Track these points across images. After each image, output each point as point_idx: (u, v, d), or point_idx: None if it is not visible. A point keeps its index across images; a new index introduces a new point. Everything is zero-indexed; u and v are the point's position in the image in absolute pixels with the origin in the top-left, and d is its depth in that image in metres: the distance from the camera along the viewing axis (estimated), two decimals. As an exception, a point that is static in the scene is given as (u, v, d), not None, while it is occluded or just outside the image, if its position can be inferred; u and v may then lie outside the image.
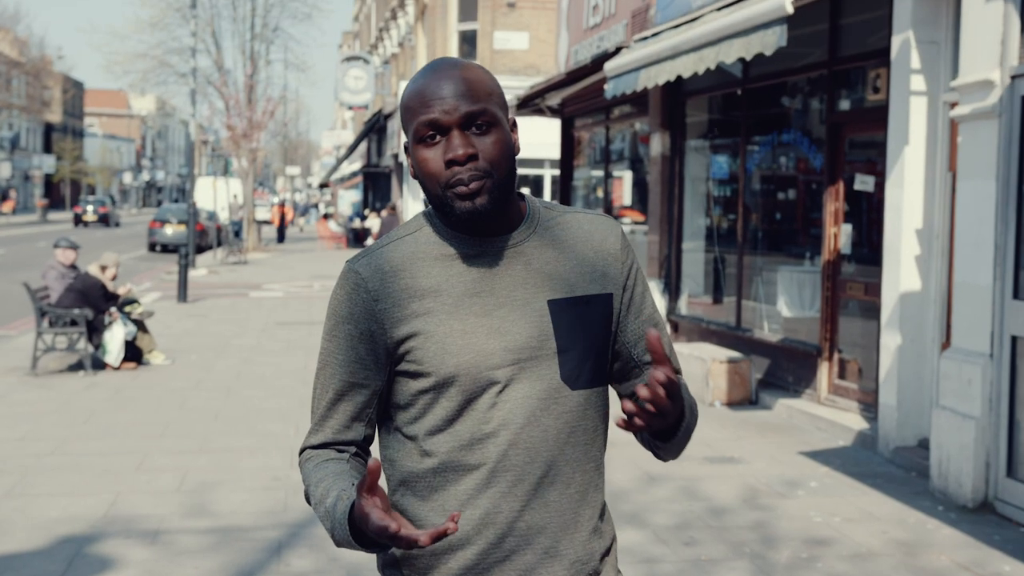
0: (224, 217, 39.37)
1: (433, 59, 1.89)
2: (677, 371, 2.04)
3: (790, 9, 7.60)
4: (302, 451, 2.03)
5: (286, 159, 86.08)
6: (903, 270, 7.67)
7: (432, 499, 1.93)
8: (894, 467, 7.52)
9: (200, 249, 33.92)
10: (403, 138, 1.91)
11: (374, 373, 1.95)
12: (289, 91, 70.77)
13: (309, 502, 1.95)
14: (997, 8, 6.36)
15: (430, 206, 1.98)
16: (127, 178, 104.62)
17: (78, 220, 56.71)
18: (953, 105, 7.30)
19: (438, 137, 1.85)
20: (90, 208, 56.97)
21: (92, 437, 8.32)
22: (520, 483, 1.90)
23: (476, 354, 1.89)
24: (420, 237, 1.97)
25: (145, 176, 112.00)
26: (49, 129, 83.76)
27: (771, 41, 7.76)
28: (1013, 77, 6.31)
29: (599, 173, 16.22)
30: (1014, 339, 6.34)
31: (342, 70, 39.27)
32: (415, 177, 1.91)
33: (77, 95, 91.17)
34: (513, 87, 24.73)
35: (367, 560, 5.18)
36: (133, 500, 6.57)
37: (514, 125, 1.97)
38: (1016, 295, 6.33)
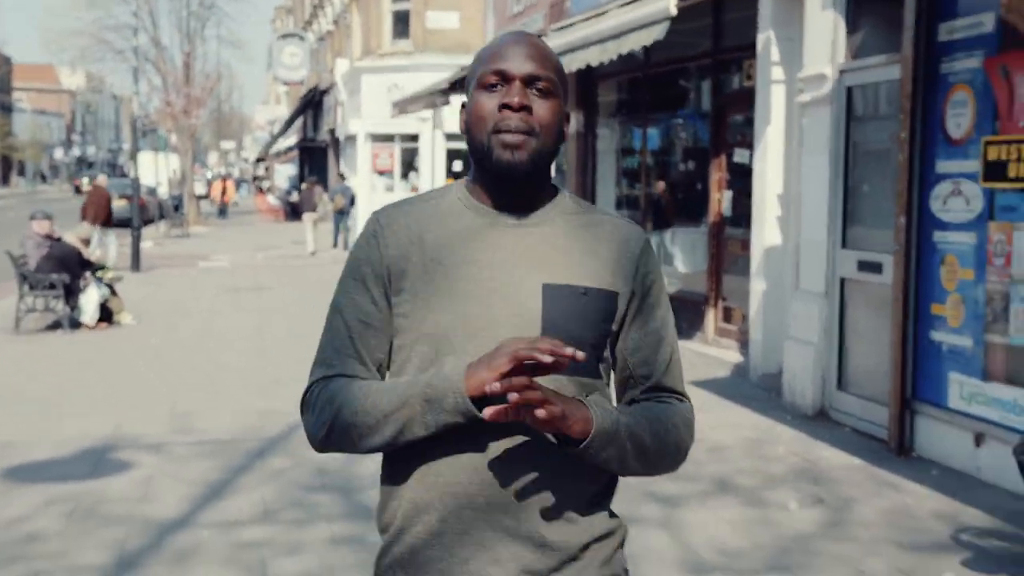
0: (163, 192, 40.32)
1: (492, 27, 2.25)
2: (680, 393, 2.07)
3: (674, 11, 9.13)
4: (309, 388, 2.00)
5: (220, 133, 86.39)
6: (767, 229, 9.29)
7: (396, 464, 1.97)
8: (759, 390, 9.15)
9: (143, 223, 34.88)
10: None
11: (386, 316, 1.99)
12: (223, 67, 71.15)
13: (334, 423, 1.92)
14: (829, 15, 7.96)
15: (467, 174, 2.06)
16: (58, 153, 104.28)
17: (78, 190, 61.95)
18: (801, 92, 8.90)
19: (500, 86, 1.92)
20: (85, 180, 58.92)
21: (85, 381, 9.70)
22: (484, 455, 1.89)
23: (454, 317, 1.91)
24: (444, 200, 2.03)
25: (76, 151, 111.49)
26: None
27: (656, 35, 9.31)
28: (841, 71, 7.92)
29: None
30: (842, 280, 7.99)
31: (278, 47, 40.26)
32: (464, 131, 1.98)
33: (5, 70, 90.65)
34: (445, 65, 26.08)
35: (329, 459, 6.64)
36: (134, 424, 7.98)
37: (567, 116, 2.01)
38: (844, 245, 7.97)
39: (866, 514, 5.91)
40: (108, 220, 19.84)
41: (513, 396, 1.70)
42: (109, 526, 5.66)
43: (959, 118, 6.67)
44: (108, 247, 20.04)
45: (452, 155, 27.60)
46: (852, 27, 7.89)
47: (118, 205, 35.85)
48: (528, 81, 1.91)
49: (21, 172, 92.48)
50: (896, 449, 7.07)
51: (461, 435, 1.86)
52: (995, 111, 6.37)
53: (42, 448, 7.30)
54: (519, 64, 1.91)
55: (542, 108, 1.92)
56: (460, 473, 1.89)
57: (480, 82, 1.94)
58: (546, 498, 1.91)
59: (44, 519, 5.78)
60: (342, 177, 30.56)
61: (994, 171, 6.28)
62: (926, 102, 6.92)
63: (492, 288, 1.93)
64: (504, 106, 1.89)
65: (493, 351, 1.78)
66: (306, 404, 1.99)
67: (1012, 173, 6.13)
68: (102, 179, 20.98)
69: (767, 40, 9.15)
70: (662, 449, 1.96)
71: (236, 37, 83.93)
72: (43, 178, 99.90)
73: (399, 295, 1.97)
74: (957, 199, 6.70)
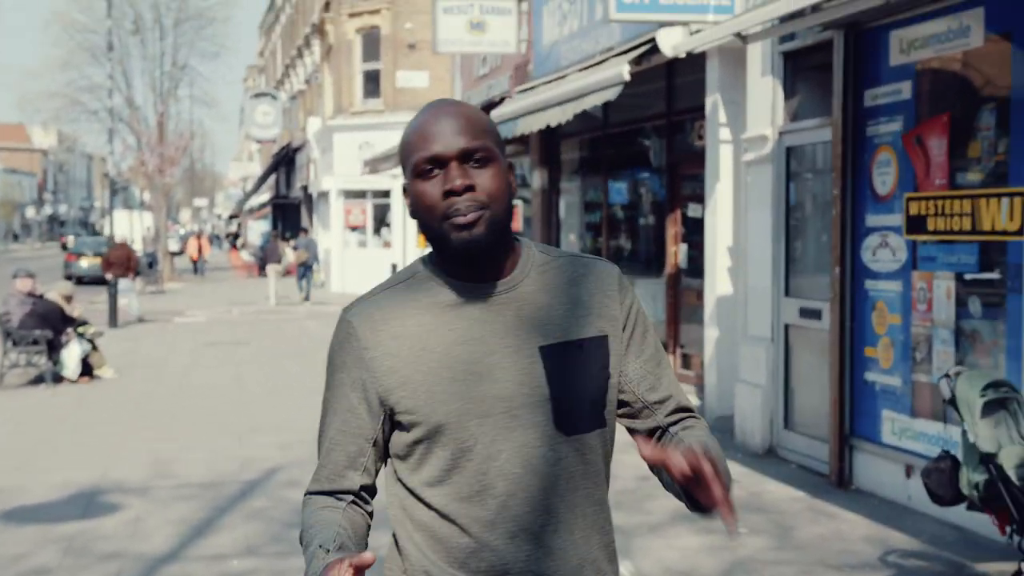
0: (138, 249, 40.71)
1: (427, 103, 2.02)
2: (693, 410, 2.13)
3: (627, 76, 9.76)
4: (305, 495, 2.05)
5: (193, 191, 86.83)
6: (718, 279, 9.86)
7: (440, 548, 1.94)
8: (714, 431, 9.61)
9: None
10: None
11: (367, 422, 1.97)
12: (196, 125, 71.83)
13: (302, 544, 1.96)
14: (768, 81, 8.59)
15: (425, 253, 2.05)
16: (30, 212, 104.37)
17: (64, 247, 62.50)
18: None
19: (436, 171, 1.88)
20: (71, 239, 59.12)
21: (70, 432, 10.12)
22: (522, 533, 1.90)
23: (465, 401, 1.89)
24: (413, 284, 2.00)
25: (48, 210, 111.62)
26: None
27: (610, 96, 9.92)
28: (780, 133, 8.54)
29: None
30: (787, 326, 8.56)
31: (251, 105, 40.92)
32: (413, 216, 1.94)
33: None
34: (415, 123, 26.76)
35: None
36: (119, 470, 8.40)
37: (511, 167, 1.98)
38: (787, 294, 8.55)
39: (803, 539, 6.42)
40: (130, 272, 22.01)
41: (702, 470, 1.74)
42: (104, 561, 6.10)
43: (884, 176, 7.28)
44: (131, 296, 21.82)
45: (423, 211, 28.15)
46: (789, 92, 8.52)
47: (92, 263, 36.50)
48: (463, 157, 1.88)
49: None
50: (836, 482, 7.60)
51: (493, 515, 1.90)
52: (914, 171, 6.99)
53: (33, 493, 7.72)
54: (449, 143, 1.87)
55: (486, 179, 1.88)
56: (505, 554, 1.91)
57: (416, 171, 1.90)
58: (583, 557, 1.96)
59: (43, 555, 6.22)
60: (305, 232, 31.30)
61: (915, 225, 6.88)
62: (855, 161, 7.54)
63: (492, 363, 1.91)
64: (448, 192, 1.86)
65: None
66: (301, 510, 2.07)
67: (931, 226, 6.73)
68: (123, 237, 22.46)
69: (714, 103, 9.77)
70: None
71: (209, 96, 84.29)
72: (15, 237, 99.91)
73: (395, 393, 1.93)
74: (884, 250, 7.29)
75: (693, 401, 10.52)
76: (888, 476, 7.24)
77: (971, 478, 4.90)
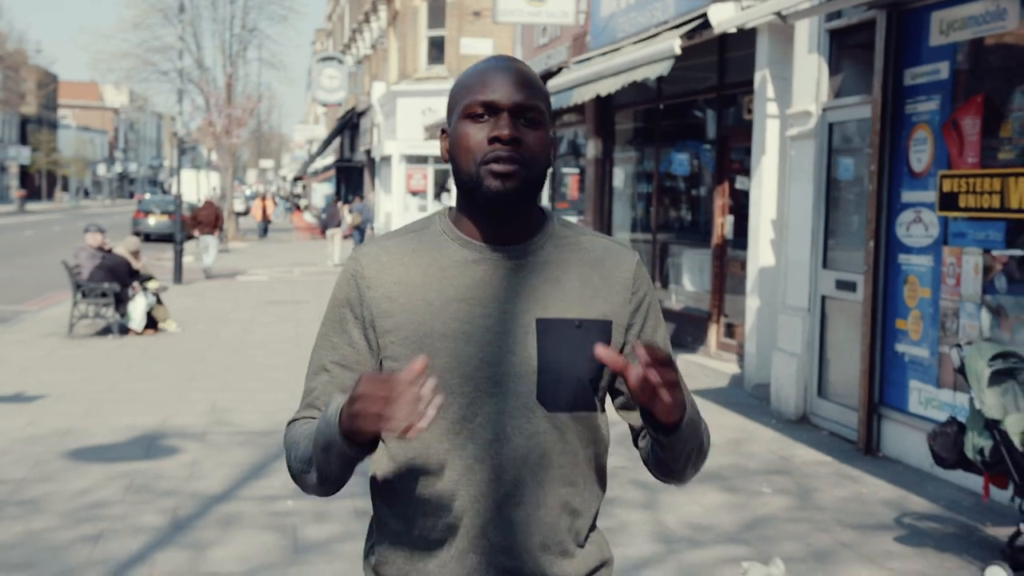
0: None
1: (492, 56, 2.00)
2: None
3: (678, 51, 9.97)
4: (289, 422, 2.04)
5: (259, 152, 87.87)
6: (761, 250, 10.08)
7: (397, 505, 1.96)
8: (752, 399, 9.93)
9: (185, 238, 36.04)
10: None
11: (367, 357, 1.97)
12: (264, 87, 72.68)
13: (291, 468, 1.97)
14: (814, 59, 8.77)
15: (451, 203, 2.02)
16: (101, 169, 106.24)
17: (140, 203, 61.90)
18: (793, 126, 9.72)
19: (487, 117, 1.88)
20: (147, 195, 58.71)
21: (135, 380, 10.62)
22: (483, 499, 1.89)
23: (450, 358, 1.88)
24: (428, 233, 1.99)
25: (118, 168, 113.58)
26: (24, 121, 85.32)
27: (662, 70, 10.14)
28: (824, 109, 8.73)
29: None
30: (823, 298, 8.77)
31: (317, 69, 41.36)
32: (446, 159, 1.94)
33: (51, 88, 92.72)
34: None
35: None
36: (179, 418, 8.86)
37: (554, 141, 1.98)
38: (825, 266, 8.76)
39: (824, 501, 6.69)
40: (212, 228, 23.65)
41: (654, 376, 1.72)
42: (162, 497, 6.54)
43: (920, 153, 7.47)
44: (210, 249, 23.42)
45: (483, 176, 28.52)
46: (834, 69, 8.70)
47: (160, 220, 37.37)
48: (516, 111, 1.88)
49: (65, 187, 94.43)
50: (864, 449, 7.84)
51: (458, 475, 1.89)
52: (948, 150, 7.17)
53: (98, 435, 8.19)
54: (508, 94, 1.88)
55: (531, 138, 1.89)
56: (463, 516, 1.90)
57: (466, 111, 1.90)
58: (546, 535, 1.92)
59: (106, 491, 6.67)
60: (361, 197, 32.02)
61: (948, 201, 7.07)
62: (893, 139, 7.72)
63: (486, 326, 1.90)
64: (494, 139, 1.86)
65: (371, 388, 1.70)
66: (284, 438, 2.05)
67: (962, 203, 6.92)
68: (213, 197, 24.94)
69: (763, 78, 9.96)
70: (704, 449, 1.99)
71: (277, 59, 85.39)
72: (86, 193, 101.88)
73: (385, 337, 1.94)
74: (918, 226, 7.49)
75: (733, 369, 10.76)
76: (913, 444, 7.47)
77: (976, 443, 5.14)
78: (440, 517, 1.92)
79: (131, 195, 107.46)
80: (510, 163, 1.86)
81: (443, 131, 1.98)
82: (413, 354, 1.89)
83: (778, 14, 8.11)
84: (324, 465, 1.86)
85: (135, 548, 5.61)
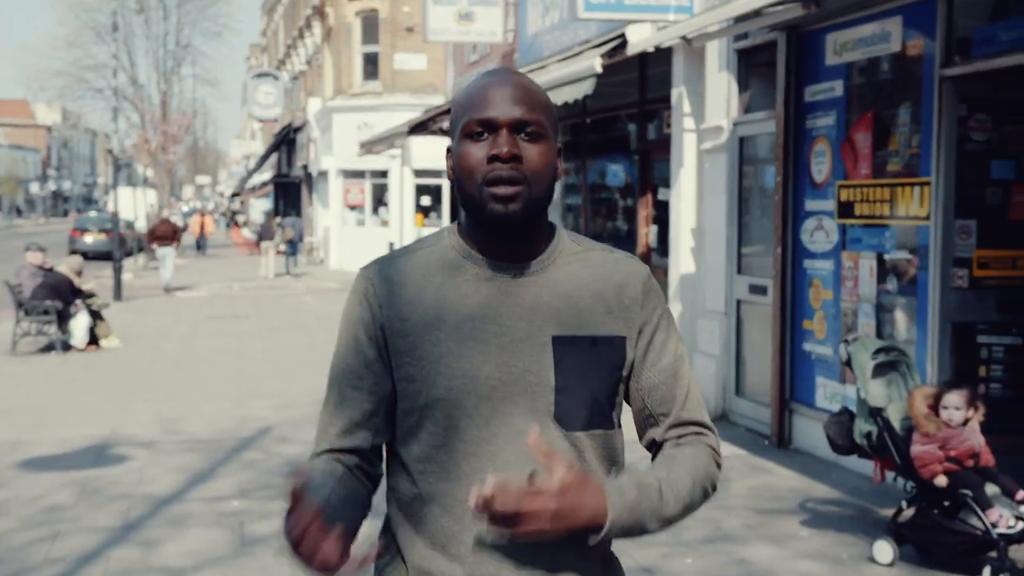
0: (141, 226, 41.46)
1: (490, 70, 1.97)
2: (702, 423, 2.03)
3: (599, 69, 10.46)
4: (311, 458, 1.99)
5: (196, 168, 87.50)
6: (682, 258, 10.62)
7: (422, 531, 1.91)
8: (675, 399, 10.44)
9: (122, 256, 36.02)
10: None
11: (381, 379, 1.93)
12: (199, 103, 72.53)
13: None
14: (724, 77, 9.34)
15: (458, 219, 1.98)
16: (34, 188, 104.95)
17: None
18: (708, 140, 10.29)
19: (486, 135, 1.84)
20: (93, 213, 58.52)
21: (80, 393, 10.91)
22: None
23: (466, 379, 1.85)
24: (437, 251, 1.96)
25: (51, 186, 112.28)
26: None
27: (585, 89, 10.65)
28: (735, 124, 9.30)
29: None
30: (739, 302, 9.33)
31: (253, 85, 41.52)
32: (452, 178, 1.91)
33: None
34: (413, 104, 27.53)
35: (300, 453, 7.91)
36: (126, 428, 9.19)
37: (560, 152, 1.94)
38: (739, 271, 9.32)
39: (737, 490, 7.22)
40: (170, 242, 24.82)
41: (493, 508, 1.68)
42: (113, 501, 6.90)
43: (820, 165, 8.05)
44: (166, 261, 24.41)
45: (421, 190, 28.99)
46: (743, 86, 9.27)
47: (97, 239, 37.26)
48: (516, 127, 1.84)
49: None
50: (776, 443, 8.39)
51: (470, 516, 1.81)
52: (844, 162, 7.75)
53: (47, 446, 8.51)
54: (505, 110, 1.84)
55: (533, 154, 1.85)
56: (478, 537, 1.86)
57: (465, 131, 1.87)
58: (563, 554, 1.89)
59: (59, 496, 7.02)
60: (298, 213, 32.95)
61: (845, 209, 7.65)
62: (796, 151, 8.30)
63: (501, 345, 1.87)
64: (493, 157, 1.82)
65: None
66: None
67: (857, 211, 7.50)
68: (166, 213, 26.43)
69: (679, 95, 10.51)
70: (690, 504, 1.92)
71: (212, 75, 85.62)
72: (19, 212, 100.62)
73: (399, 357, 1.91)
74: (820, 232, 8.06)
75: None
76: (820, 437, 7.96)
77: (863, 429, 5.69)
78: (462, 542, 1.88)
79: (65, 213, 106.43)
80: (511, 184, 1.83)
81: (448, 150, 1.95)
82: (428, 375, 1.88)
83: (683, 37, 8.66)
84: None
85: (90, 546, 5.98)
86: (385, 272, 1.95)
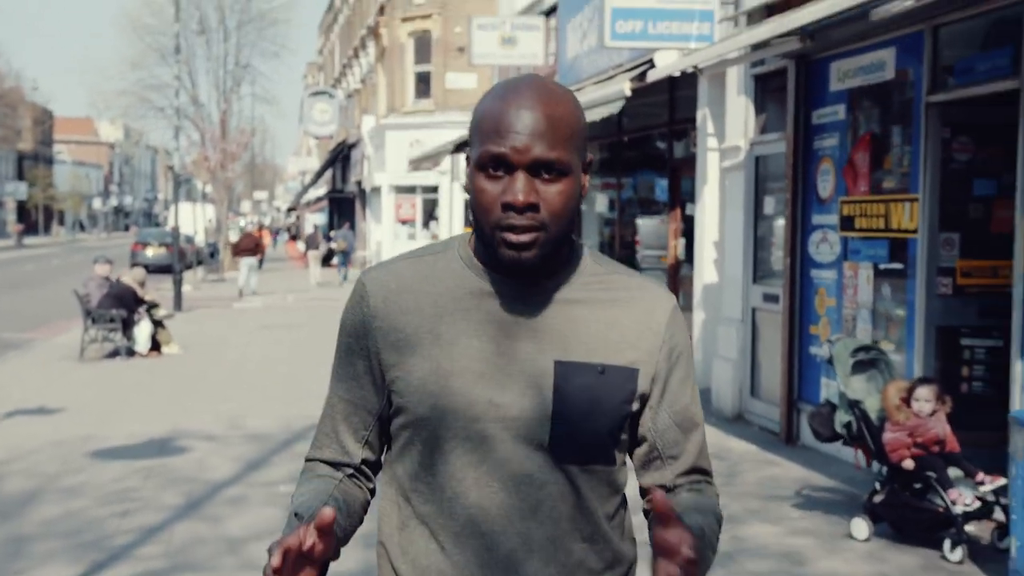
0: (200, 240, 42.74)
1: (515, 77, 1.78)
2: (709, 473, 1.92)
3: (628, 92, 11.18)
4: (306, 461, 1.94)
5: (253, 184, 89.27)
6: (705, 269, 11.29)
7: (407, 554, 1.81)
8: (699, 402, 11.08)
9: (183, 268, 37.26)
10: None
11: (372, 393, 1.83)
12: (257, 121, 74.16)
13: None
14: (742, 100, 10.01)
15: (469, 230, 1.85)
16: (96, 203, 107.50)
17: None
18: (729, 158, 10.95)
19: (502, 172, 1.67)
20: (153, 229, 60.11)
21: (144, 395, 11.78)
22: (491, 551, 1.74)
23: (457, 399, 1.73)
24: (443, 259, 1.83)
25: (113, 201, 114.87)
26: (21, 157, 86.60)
27: (613, 110, 11.36)
28: (751, 144, 9.96)
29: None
30: (754, 309, 9.98)
31: (309, 103, 42.65)
32: (467, 188, 1.75)
33: (47, 124, 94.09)
34: (463, 122, 28.29)
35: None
36: (188, 424, 10.01)
37: (589, 165, 1.77)
38: (755, 281, 9.97)
39: (745, 480, 7.87)
40: (254, 254, 27.42)
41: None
42: (178, 484, 7.70)
43: (825, 183, 8.69)
44: (253, 273, 26.93)
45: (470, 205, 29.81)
46: (759, 109, 9.93)
47: (157, 252, 38.51)
48: (534, 168, 1.66)
49: (61, 222, 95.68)
50: (785, 439, 9.02)
51: (460, 527, 1.76)
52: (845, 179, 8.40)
53: (116, 439, 9.34)
54: (523, 147, 1.65)
55: (552, 195, 1.68)
56: (473, 569, 1.77)
57: (480, 161, 1.70)
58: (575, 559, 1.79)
59: (129, 481, 7.83)
60: (352, 226, 34.80)
61: (847, 223, 8.28)
62: (805, 170, 8.94)
63: (499, 366, 1.74)
64: (507, 206, 1.67)
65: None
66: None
67: (857, 225, 8.13)
68: (252, 227, 26.69)
69: (704, 116, 11.19)
70: (716, 546, 1.82)
71: (270, 94, 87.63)
72: (82, 227, 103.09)
73: (392, 370, 1.79)
74: (825, 244, 8.70)
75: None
76: (825, 434, 8.64)
77: (842, 419, 6.34)
78: (443, 572, 1.78)
79: (126, 228, 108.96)
80: (525, 232, 1.68)
81: (467, 158, 1.77)
82: (418, 393, 1.76)
83: (695, 67, 9.35)
84: None
85: (157, 521, 6.78)
86: (384, 279, 1.84)
